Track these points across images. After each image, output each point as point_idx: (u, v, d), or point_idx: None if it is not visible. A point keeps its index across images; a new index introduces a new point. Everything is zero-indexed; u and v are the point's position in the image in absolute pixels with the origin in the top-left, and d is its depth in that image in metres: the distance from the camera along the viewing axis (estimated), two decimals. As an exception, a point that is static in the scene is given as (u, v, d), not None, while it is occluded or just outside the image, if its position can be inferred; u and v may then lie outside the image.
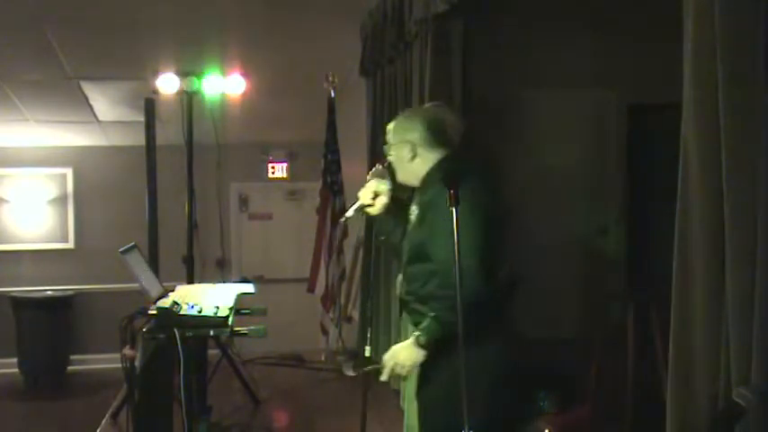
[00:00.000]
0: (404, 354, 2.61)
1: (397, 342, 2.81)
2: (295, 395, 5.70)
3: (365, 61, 5.55)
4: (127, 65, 5.96)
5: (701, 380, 2.03)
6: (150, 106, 5.20)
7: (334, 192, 6.30)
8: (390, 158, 2.81)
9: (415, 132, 2.73)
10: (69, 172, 7.81)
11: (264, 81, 5.85)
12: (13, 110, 6.68)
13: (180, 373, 2.94)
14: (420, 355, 2.58)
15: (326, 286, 6.37)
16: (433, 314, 2.54)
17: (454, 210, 2.30)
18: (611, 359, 4.22)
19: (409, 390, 3.82)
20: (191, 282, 5.08)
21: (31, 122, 7.02)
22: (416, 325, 2.67)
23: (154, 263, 4.89)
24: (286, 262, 7.66)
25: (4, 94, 6.35)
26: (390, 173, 2.88)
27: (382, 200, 2.87)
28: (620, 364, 4.12)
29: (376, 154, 5.14)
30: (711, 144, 1.94)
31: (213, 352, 5.30)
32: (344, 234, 6.35)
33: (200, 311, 3.03)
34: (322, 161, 6.33)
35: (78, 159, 7.78)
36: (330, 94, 6.15)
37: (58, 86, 6.30)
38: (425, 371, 2.71)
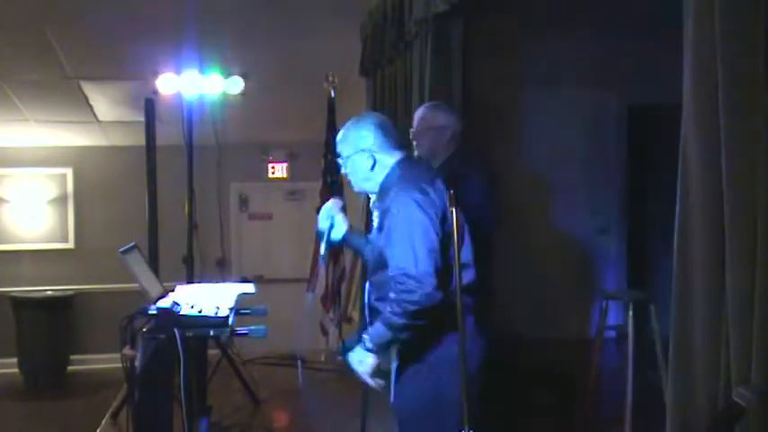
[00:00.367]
0: (354, 359, 2.63)
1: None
2: (295, 395, 5.69)
3: (365, 61, 5.54)
4: (127, 65, 5.96)
5: (701, 380, 2.03)
6: (150, 106, 5.19)
7: (335, 192, 6.30)
8: (347, 171, 2.75)
9: (369, 139, 2.69)
10: (69, 172, 7.80)
11: (264, 81, 5.85)
12: (13, 110, 6.68)
13: (180, 373, 2.94)
14: (369, 358, 2.58)
15: (327, 286, 6.37)
16: (384, 317, 2.53)
17: (454, 210, 2.30)
18: (611, 359, 4.22)
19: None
20: (191, 282, 5.08)
21: (31, 122, 7.02)
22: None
23: (154, 263, 4.89)
24: (286, 262, 7.66)
25: (4, 94, 6.35)
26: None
27: (340, 223, 2.87)
28: (620, 365, 4.12)
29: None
30: (711, 144, 1.94)
31: (213, 352, 5.30)
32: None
33: (200, 311, 3.02)
34: (322, 161, 6.33)
35: (78, 159, 7.78)
36: (330, 94, 6.15)
37: (58, 86, 6.30)
38: (398, 384, 2.70)
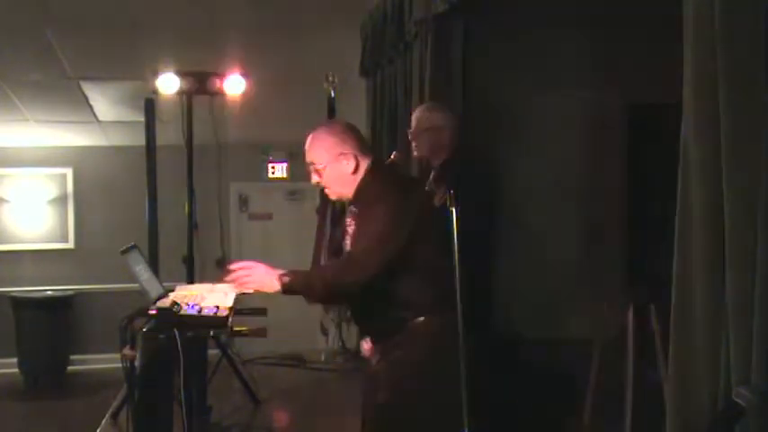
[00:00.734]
0: (263, 278, 2.63)
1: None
2: (295, 395, 5.69)
3: (365, 61, 5.54)
4: (127, 65, 5.96)
5: (701, 380, 2.02)
6: (150, 106, 5.19)
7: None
8: (324, 180, 2.73)
9: (349, 142, 2.70)
10: (69, 172, 7.81)
11: (264, 81, 5.85)
12: (13, 110, 6.68)
13: (180, 373, 2.94)
14: (274, 288, 2.59)
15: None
16: (311, 273, 2.64)
17: (454, 210, 2.30)
18: (612, 359, 4.22)
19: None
20: (191, 282, 5.08)
21: (31, 122, 7.02)
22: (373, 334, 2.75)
23: (154, 263, 4.89)
24: (286, 262, 7.63)
25: (4, 94, 6.35)
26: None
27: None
28: (620, 364, 4.12)
29: (376, 153, 5.14)
30: (711, 144, 1.94)
31: (213, 352, 5.30)
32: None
33: (200, 311, 3.02)
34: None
35: (78, 159, 7.78)
36: (330, 94, 6.15)
37: (58, 86, 6.30)
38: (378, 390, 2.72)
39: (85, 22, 5.35)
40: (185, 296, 3.19)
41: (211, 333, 3.27)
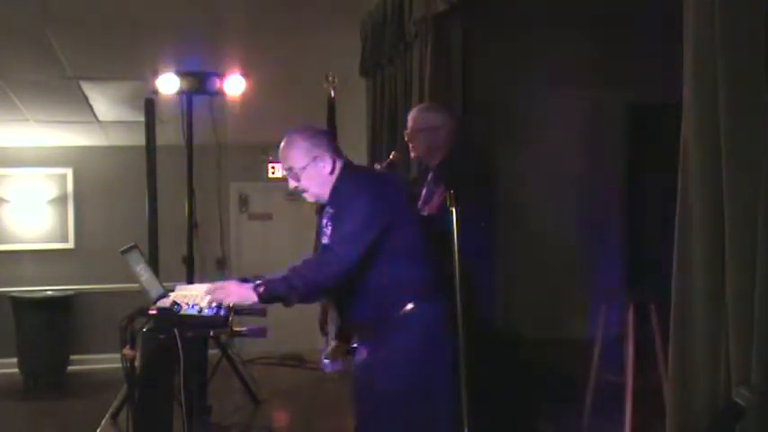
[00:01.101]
0: (237, 291, 2.70)
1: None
2: (295, 395, 5.69)
3: (365, 61, 5.55)
4: (127, 65, 5.96)
5: (701, 380, 2.03)
6: (150, 106, 5.20)
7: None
8: (303, 184, 2.76)
9: (322, 144, 2.74)
10: (69, 172, 7.80)
11: (264, 81, 5.85)
12: (13, 110, 6.68)
13: (180, 373, 2.94)
14: (252, 299, 2.68)
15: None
16: (288, 275, 2.67)
17: (454, 210, 2.31)
18: (611, 359, 4.22)
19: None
20: (191, 282, 5.08)
21: (31, 122, 7.02)
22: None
23: (154, 263, 4.89)
24: (286, 262, 7.63)
25: (4, 94, 6.35)
26: None
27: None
28: (620, 364, 4.12)
29: (376, 154, 5.14)
30: (711, 144, 1.94)
31: (213, 352, 5.30)
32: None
33: (200, 311, 3.02)
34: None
35: (78, 159, 7.78)
36: (330, 94, 6.15)
37: (58, 86, 6.29)
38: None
39: (85, 22, 5.35)
40: (185, 296, 3.19)
41: (211, 333, 3.26)
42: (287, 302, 2.69)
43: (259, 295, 2.65)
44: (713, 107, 1.92)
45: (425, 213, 3.17)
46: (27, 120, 6.94)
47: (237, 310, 3.31)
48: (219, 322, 3.03)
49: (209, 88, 5.19)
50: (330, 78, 6.09)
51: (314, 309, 6.61)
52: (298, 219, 7.82)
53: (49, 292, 7.46)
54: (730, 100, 1.87)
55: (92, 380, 7.07)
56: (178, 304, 3.02)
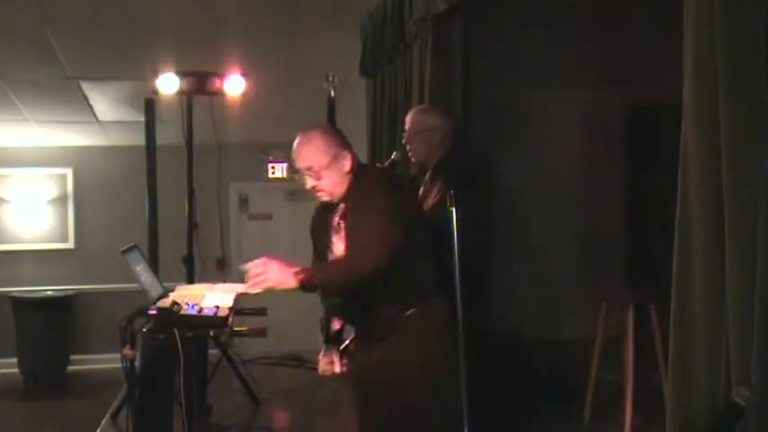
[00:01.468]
0: (280, 276, 2.63)
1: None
2: (295, 395, 5.69)
3: (365, 61, 5.54)
4: (127, 65, 5.96)
5: (701, 380, 2.02)
6: (150, 106, 5.19)
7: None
8: (323, 183, 2.76)
9: (340, 142, 2.76)
10: (69, 172, 7.81)
11: (264, 81, 5.85)
12: (13, 110, 6.68)
13: (180, 373, 2.94)
14: (291, 285, 2.62)
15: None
16: (326, 266, 2.69)
17: (454, 210, 2.31)
18: (611, 359, 4.22)
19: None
20: (191, 282, 5.08)
21: (31, 122, 7.02)
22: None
23: (154, 263, 4.89)
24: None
25: (4, 94, 6.35)
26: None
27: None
28: (620, 364, 4.12)
29: (376, 154, 5.14)
30: (711, 144, 1.94)
31: (213, 352, 5.30)
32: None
33: (200, 311, 3.02)
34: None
35: (78, 159, 7.78)
36: (330, 94, 6.15)
37: (58, 86, 6.30)
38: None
39: (85, 22, 5.35)
40: (185, 296, 3.19)
41: (211, 333, 3.26)
42: (324, 294, 2.72)
43: (300, 281, 2.59)
44: (713, 107, 1.92)
45: None
46: (27, 120, 6.94)
47: (237, 311, 3.31)
48: (219, 322, 3.04)
49: (209, 88, 5.19)
50: (330, 78, 6.09)
51: (314, 309, 6.61)
52: (298, 219, 7.79)
53: (49, 292, 7.47)
54: (730, 100, 1.87)
55: (92, 380, 7.07)
56: (178, 304, 3.02)
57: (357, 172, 2.75)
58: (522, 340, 5.23)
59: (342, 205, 2.78)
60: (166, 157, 5.40)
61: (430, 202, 3.24)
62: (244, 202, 8.06)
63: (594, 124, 6.53)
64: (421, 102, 4.00)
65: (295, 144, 2.80)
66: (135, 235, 4.13)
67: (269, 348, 6.52)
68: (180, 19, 5.33)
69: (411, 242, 2.64)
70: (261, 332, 3.34)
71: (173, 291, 3.43)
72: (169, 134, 5.46)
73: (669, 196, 2.18)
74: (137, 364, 3.01)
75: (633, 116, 6.53)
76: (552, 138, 6.27)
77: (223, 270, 7.30)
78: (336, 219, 2.80)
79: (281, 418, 5.45)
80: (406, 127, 3.53)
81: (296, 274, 2.58)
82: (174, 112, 5.31)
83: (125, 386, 3.66)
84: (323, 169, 2.73)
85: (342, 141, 2.77)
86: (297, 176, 2.82)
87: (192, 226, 5.21)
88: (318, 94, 6.12)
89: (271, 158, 7.89)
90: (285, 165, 7.93)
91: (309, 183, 2.77)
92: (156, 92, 5.14)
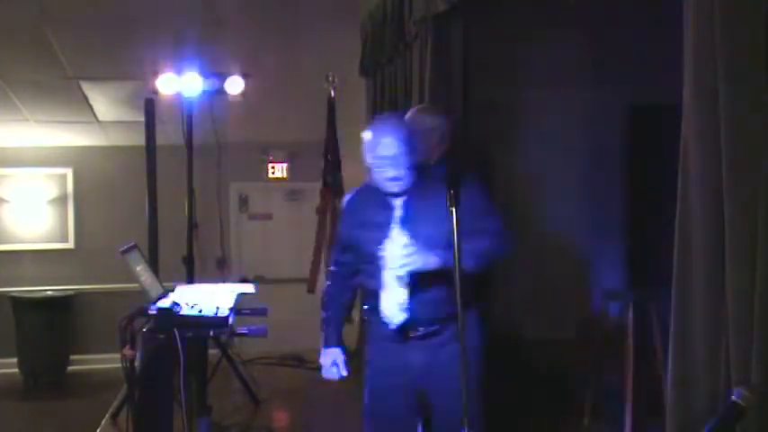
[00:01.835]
0: (425, 258, 2.65)
1: None
2: (295, 395, 5.69)
3: (365, 61, 5.54)
4: (127, 65, 5.96)
5: (701, 380, 2.03)
6: (150, 106, 5.19)
7: (335, 192, 6.29)
8: (402, 172, 2.79)
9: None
10: (69, 172, 7.80)
11: (264, 81, 5.85)
12: (13, 110, 6.68)
13: (180, 373, 2.94)
14: (433, 265, 2.63)
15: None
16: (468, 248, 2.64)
17: (454, 210, 2.31)
18: (611, 359, 4.22)
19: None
20: (191, 282, 5.08)
21: (31, 122, 7.02)
22: None
23: (154, 263, 4.89)
24: (286, 262, 7.65)
25: (4, 94, 6.35)
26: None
27: None
28: (620, 365, 4.12)
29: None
30: (711, 144, 1.94)
31: (213, 352, 5.30)
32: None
33: (200, 311, 3.03)
34: (322, 161, 6.33)
35: (78, 159, 7.78)
36: (330, 94, 6.15)
37: (58, 86, 6.30)
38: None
39: (85, 22, 5.35)
40: (186, 296, 3.20)
41: (211, 333, 3.26)
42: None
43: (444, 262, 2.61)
44: (713, 107, 1.92)
45: None
46: (27, 120, 6.94)
47: (237, 311, 3.31)
48: (219, 322, 3.04)
49: (208, 88, 5.19)
50: (330, 78, 6.10)
51: (314, 309, 6.61)
52: (298, 219, 7.83)
53: (49, 292, 7.46)
54: (730, 100, 1.87)
55: (92, 380, 7.07)
56: (178, 304, 3.02)
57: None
58: (522, 340, 5.23)
59: (412, 192, 2.79)
60: (166, 157, 5.40)
61: None
62: (244, 202, 8.06)
63: (594, 124, 6.53)
64: (421, 102, 4.00)
65: (383, 131, 2.81)
66: (135, 235, 4.13)
67: (269, 348, 6.53)
68: (180, 19, 5.33)
69: None
70: (261, 332, 3.34)
71: (173, 291, 3.44)
72: (169, 134, 5.46)
73: (669, 196, 2.18)
74: (137, 364, 3.01)
75: (633, 116, 6.52)
76: (552, 138, 6.27)
77: (223, 270, 7.30)
78: (403, 210, 2.81)
79: (281, 418, 5.46)
80: None
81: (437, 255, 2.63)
82: (174, 112, 5.31)
83: (125, 386, 3.66)
84: (405, 155, 2.78)
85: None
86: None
87: (192, 226, 5.21)
88: (318, 94, 6.12)
89: (271, 158, 7.89)
90: (285, 165, 7.93)
91: (391, 172, 2.77)
92: (156, 92, 5.14)
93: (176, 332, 2.92)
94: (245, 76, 5.33)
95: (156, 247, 5.14)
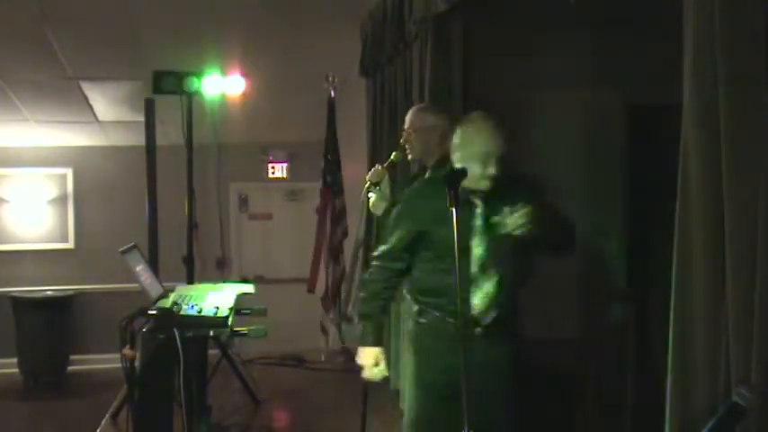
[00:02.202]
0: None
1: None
2: (295, 395, 5.69)
3: (365, 61, 5.54)
4: (127, 65, 5.96)
5: (701, 380, 2.02)
6: (150, 106, 5.19)
7: (334, 192, 6.30)
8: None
9: None
10: (69, 172, 7.81)
11: (264, 81, 5.85)
12: (13, 110, 6.68)
13: (180, 373, 2.94)
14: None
15: (327, 286, 6.37)
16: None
17: (454, 210, 2.31)
18: (611, 359, 4.22)
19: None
20: (191, 282, 5.08)
21: (31, 122, 7.02)
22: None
23: (154, 263, 4.89)
24: (286, 262, 7.65)
25: (4, 94, 6.35)
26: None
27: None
28: (620, 365, 4.12)
29: (376, 154, 5.14)
30: (711, 144, 1.94)
31: (213, 352, 5.30)
32: (344, 234, 6.35)
33: (200, 311, 3.03)
34: (322, 161, 6.33)
35: (78, 159, 7.78)
36: (330, 94, 6.15)
37: (58, 86, 6.30)
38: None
39: (85, 22, 5.35)
40: (186, 296, 3.20)
41: (211, 333, 3.26)
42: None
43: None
44: (713, 107, 1.92)
45: None
46: (27, 120, 6.94)
47: (237, 311, 3.31)
48: (219, 322, 3.04)
49: (209, 88, 5.19)
50: (330, 78, 6.10)
51: (314, 309, 6.62)
52: (298, 219, 7.83)
53: (49, 292, 7.47)
54: (730, 100, 1.87)
55: (92, 380, 7.07)
56: (178, 304, 3.02)
57: None
58: (522, 340, 5.21)
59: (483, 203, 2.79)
60: (166, 157, 5.41)
61: None
62: (244, 202, 8.06)
63: (594, 124, 6.52)
64: (421, 102, 4.00)
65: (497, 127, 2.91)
66: (135, 235, 4.13)
67: (269, 348, 6.53)
68: (180, 19, 5.33)
69: None
70: (261, 332, 3.35)
71: (173, 291, 3.44)
72: (169, 134, 5.46)
73: (669, 196, 2.18)
74: (137, 364, 3.01)
75: (634, 116, 6.52)
76: (552, 138, 6.26)
77: (223, 270, 7.31)
78: (479, 208, 2.79)
79: (281, 418, 5.45)
80: (405, 125, 3.53)
81: None
82: (174, 113, 5.31)
83: (125, 386, 3.67)
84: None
85: None
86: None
87: (192, 226, 5.20)
88: (318, 94, 6.12)
89: (271, 158, 7.90)
90: (285, 165, 7.94)
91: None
92: (156, 92, 5.13)
93: (176, 332, 2.92)
94: (244, 75, 5.33)
95: (156, 247, 5.15)
